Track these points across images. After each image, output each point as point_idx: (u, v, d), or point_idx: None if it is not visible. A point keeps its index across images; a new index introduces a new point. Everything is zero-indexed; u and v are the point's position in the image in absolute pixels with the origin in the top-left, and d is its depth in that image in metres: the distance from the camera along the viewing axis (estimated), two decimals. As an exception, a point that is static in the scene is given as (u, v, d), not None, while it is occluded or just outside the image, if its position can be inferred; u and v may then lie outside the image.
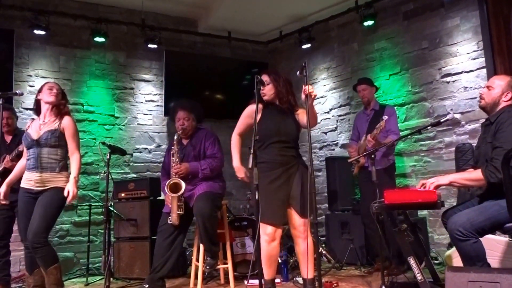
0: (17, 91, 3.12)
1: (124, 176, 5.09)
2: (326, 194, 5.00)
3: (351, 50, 5.32)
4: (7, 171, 3.39)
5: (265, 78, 2.87)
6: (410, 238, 2.79)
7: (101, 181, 4.91)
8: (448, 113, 3.11)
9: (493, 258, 2.91)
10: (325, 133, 5.53)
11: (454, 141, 4.29)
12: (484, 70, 4.12)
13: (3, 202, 3.10)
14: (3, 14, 4.65)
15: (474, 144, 3.50)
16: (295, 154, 2.87)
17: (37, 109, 3.16)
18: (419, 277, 2.60)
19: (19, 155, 3.43)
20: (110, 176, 3.48)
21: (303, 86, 2.55)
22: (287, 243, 4.15)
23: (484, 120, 2.80)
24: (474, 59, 4.21)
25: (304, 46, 5.53)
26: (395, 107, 4.50)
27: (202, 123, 3.80)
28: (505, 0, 4.05)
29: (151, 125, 5.38)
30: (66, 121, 3.07)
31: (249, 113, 2.91)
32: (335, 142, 5.44)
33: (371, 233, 3.90)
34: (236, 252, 3.95)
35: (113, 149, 3.69)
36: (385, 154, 3.93)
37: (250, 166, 2.44)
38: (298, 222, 2.76)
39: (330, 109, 5.51)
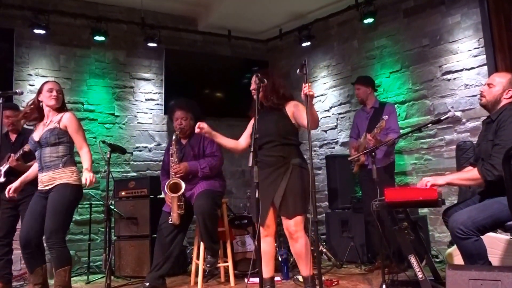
0: (17, 90, 3.10)
1: (125, 174, 5.09)
2: (326, 192, 4.99)
3: (351, 48, 5.31)
4: (12, 170, 3.40)
5: (253, 79, 2.82)
6: (410, 236, 2.78)
7: (101, 180, 4.91)
8: (449, 110, 3.10)
9: (494, 256, 2.91)
10: (325, 131, 5.52)
11: (454, 139, 4.28)
12: (485, 68, 4.11)
13: (11, 195, 3.12)
14: (3, 14, 4.64)
15: (475, 142, 3.50)
16: (287, 153, 2.78)
17: (40, 112, 3.10)
18: (419, 275, 2.60)
19: (24, 155, 3.45)
20: (110, 174, 3.49)
21: (303, 84, 2.53)
22: (288, 241, 4.15)
23: (485, 117, 2.79)
24: (475, 56, 4.20)
25: (304, 44, 5.53)
26: (396, 105, 4.49)
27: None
28: (506, -3, 4.05)
29: (151, 123, 5.39)
30: (67, 117, 3.04)
31: (252, 122, 2.94)
32: (335, 140, 5.44)
33: (374, 231, 3.89)
34: (237, 250, 3.95)
35: (113, 148, 3.70)
36: (385, 153, 3.93)
37: (250, 164, 2.43)
38: (285, 224, 2.75)
39: (330, 107, 5.50)
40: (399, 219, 2.94)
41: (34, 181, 3.24)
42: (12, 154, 3.54)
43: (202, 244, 3.48)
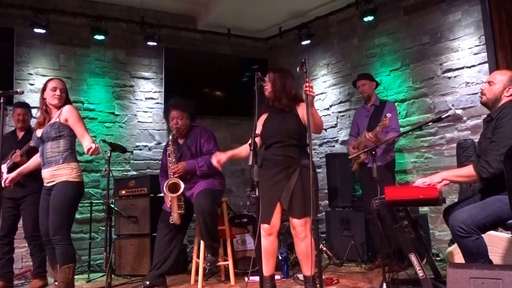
0: (18, 90, 3.10)
1: (125, 173, 5.10)
2: (326, 191, 4.99)
3: (351, 46, 5.30)
4: (17, 166, 3.41)
5: (266, 78, 2.87)
6: (411, 235, 2.78)
7: (101, 179, 4.92)
8: (450, 109, 3.09)
9: (495, 255, 2.90)
10: (325, 129, 5.51)
11: (455, 137, 4.26)
12: (486, 65, 4.09)
13: (7, 185, 3.16)
14: (3, 13, 4.64)
15: (476, 140, 3.49)
16: (296, 154, 2.81)
17: (48, 114, 3.10)
18: (420, 273, 2.59)
19: (29, 151, 3.47)
20: (110, 173, 3.50)
21: (304, 83, 2.53)
22: (288, 240, 4.15)
23: (485, 116, 2.78)
24: (476, 54, 4.19)
25: (303, 42, 5.52)
26: (396, 103, 4.48)
27: (196, 120, 3.77)
28: (507, -6, 4.03)
29: (151, 122, 5.38)
30: (66, 109, 3.06)
31: (260, 118, 2.94)
32: (335, 139, 5.43)
33: (375, 230, 3.88)
34: (237, 249, 3.95)
35: (114, 147, 3.71)
36: (385, 151, 3.92)
37: (250, 163, 2.43)
38: (294, 223, 2.75)
39: (330, 106, 5.49)
40: (400, 217, 2.93)
41: (36, 178, 3.26)
42: (18, 150, 3.58)
43: (202, 242, 3.47)
